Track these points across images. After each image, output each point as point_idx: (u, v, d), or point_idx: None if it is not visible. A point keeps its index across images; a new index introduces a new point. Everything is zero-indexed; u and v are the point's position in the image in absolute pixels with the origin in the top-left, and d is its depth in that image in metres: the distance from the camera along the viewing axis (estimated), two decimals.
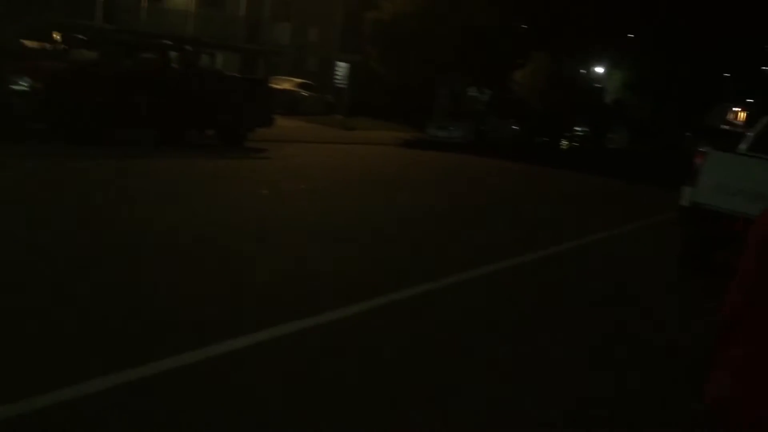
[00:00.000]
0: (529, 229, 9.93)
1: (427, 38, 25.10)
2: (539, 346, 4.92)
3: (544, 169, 20.26)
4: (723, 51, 36.86)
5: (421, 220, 9.51)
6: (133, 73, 13.02)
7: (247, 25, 31.31)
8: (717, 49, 36.34)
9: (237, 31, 30.54)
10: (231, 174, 11.63)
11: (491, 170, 18.31)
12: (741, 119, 56.14)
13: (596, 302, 6.42)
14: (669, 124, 39.33)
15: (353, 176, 13.32)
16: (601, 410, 4.02)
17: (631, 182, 18.58)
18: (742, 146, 8.46)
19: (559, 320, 5.67)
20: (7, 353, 3.72)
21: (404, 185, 13.11)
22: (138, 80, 12.96)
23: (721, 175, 7.30)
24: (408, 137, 24.08)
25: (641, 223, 11.83)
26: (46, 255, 5.59)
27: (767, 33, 35.89)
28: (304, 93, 28.53)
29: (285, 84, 27.11)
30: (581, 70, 39.96)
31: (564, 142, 33.63)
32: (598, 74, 43.43)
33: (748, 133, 9.10)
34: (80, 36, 15.04)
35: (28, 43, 17.89)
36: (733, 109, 58.43)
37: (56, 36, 15.33)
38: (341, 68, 34.78)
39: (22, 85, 11.59)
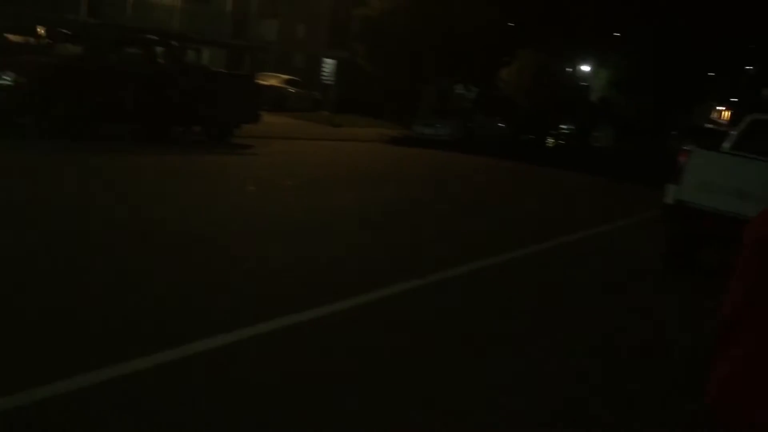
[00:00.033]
0: (514, 226, 9.96)
1: (414, 35, 25.12)
2: (537, 346, 4.91)
3: (531, 166, 20.33)
4: (708, 51, 37.14)
5: (406, 216, 9.52)
6: (118, 69, 12.93)
7: (233, 21, 31.16)
8: (702, 49, 36.60)
9: (223, 26, 30.37)
10: (217, 170, 11.59)
11: (478, 167, 18.35)
12: (725, 118, 56.64)
13: (591, 299, 6.45)
14: (654, 122, 39.59)
15: (339, 173, 13.31)
16: (600, 410, 4.03)
17: (617, 180, 18.68)
18: (726, 145, 8.55)
19: (555, 319, 5.68)
20: (3, 346, 3.73)
21: (390, 182, 13.11)
22: (123, 75, 12.87)
23: (704, 174, 7.37)
24: (395, 134, 24.09)
25: (627, 221, 11.90)
26: (29, 251, 5.55)
27: (751, 33, 36.20)
28: (291, 89, 28.45)
29: (272, 80, 27.04)
30: (568, 69, 40.13)
31: (550, 140, 33.77)
32: (584, 73, 43.66)
33: (732, 132, 9.19)
34: (65, 30, 14.91)
35: (11, 37, 17.70)
36: (718, 108, 58.92)
37: (40, 30, 15.19)
38: (328, 65, 34.72)
39: (6, 79, 11.49)
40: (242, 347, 4.15)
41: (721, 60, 40.44)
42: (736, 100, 50.17)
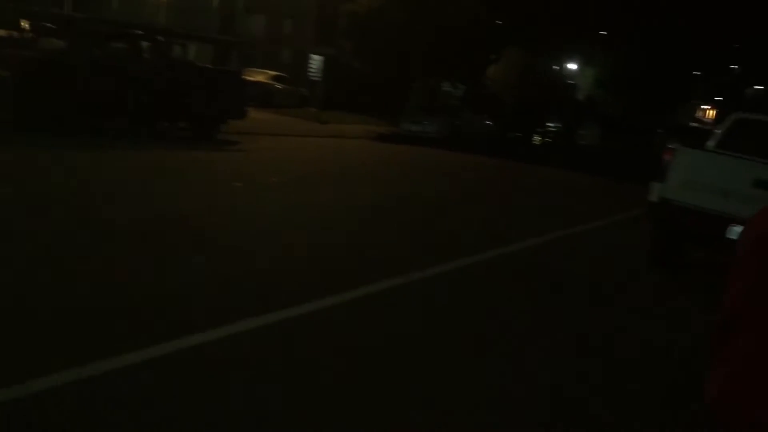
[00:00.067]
0: (502, 223, 9.98)
1: (401, 32, 25.10)
2: (534, 346, 4.91)
3: (517, 164, 20.38)
4: (694, 50, 37.38)
5: (392, 213, 9.51)
6: (103, 63, 12.81)
7: (220, 16, 31.01)
8: (688, 48, 36.84)
9: (210, 21, 30.23)
10: (202, 166, 11.53)
11: (465, 165, 18.38)
12: (710, 117, 57.01)
13: (586, 298, 6.47)
14: (640, 121, 39.80)
15: (326, 170, 13.27)
16: (600, 410, 4.03)
17: (603, 178, 18.77)
18: (710, 143, 8.60)
19: (552, 318, 5.68)
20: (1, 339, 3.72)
21: (378, 179, 13.10)
22: (108, 70, 12.76)
23: (689, 172, 7.41)
24: (382, 131, 24.07)
25: (613, 218, 11.96)
26: (11, 247, 5.49)
27: (736, 33, 36.47)
28: (278, 85, 28.35)
29: (259, 76, 26.92)
30: (554, 67, 40.29)
31: (537, 138, 33.88)
32: (571, 71, 43.83)
33: (716, 131, 9.25)
34: (49, 24, 14.75)
35: None
36: (702, 107, 59.32)
37: (24, 24, 15.02)
38: (315, 61, 34.63)
39: None
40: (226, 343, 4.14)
41: (707, 59, 40.71)
42: (721, 99, 50.52)
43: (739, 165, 7.19)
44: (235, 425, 3.21)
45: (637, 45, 36.87)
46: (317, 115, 24.46)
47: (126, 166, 10.38)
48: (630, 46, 37.24)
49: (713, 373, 1.37)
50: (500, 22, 29.24)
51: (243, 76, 17.55)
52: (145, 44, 14.02)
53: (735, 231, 6.99)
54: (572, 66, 43.27)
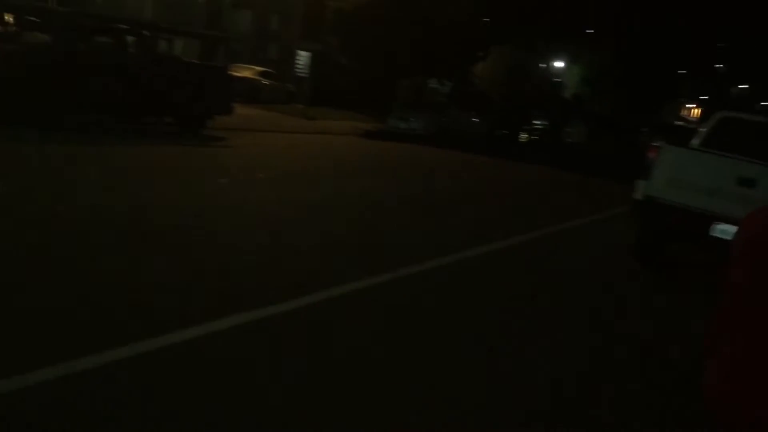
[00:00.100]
0: (488, 221, 10.01)
1: (388, 29, 25.08)
2: (533, 345, 4.90)
3: (505, 161, 20.42)
4: (679, 49, 37.61)
5: (378, 211, 9.50)
6: (88, 57, 12.70)
7: (207, 11, 30.84)
8: (673, 47, 37.06)
9: (196, 16, 30.04)
10: (188, 162, 11.45)
11: (453, 162, 18.40)
12: (695, 115, 57.42)
13: (583, 297, 6.50)
14: (627, 119, 40.01)
15: (312, 166, 13.23)
16: (600, 410, 4.03)
17: (589, 175, 18.85)
18: (695, 141, 8.66)
19: (548, 317, 5.69)
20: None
21: (364, 175, 13.08)
22: (92, 65, 12.65)
23: (673, 170, 7.45)
24: (369, 128, 24.04)
25: (599, 215, 12.02)
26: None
27: (721, 32, 36.73)
28: (265, 81, 28.25)
29: (245, 72, 26.80)
30: (541, 65, 40.40)
31: (523, 136, 33.96)
32: (557, 69, 43.99)
33: (701, 129, 9.31)
34: (33, 18, 14.59)
35: None
36: (687, 105, 59.73)
37: (8, 17, 14.84)
38: (302, 57, 34.53)
39: None
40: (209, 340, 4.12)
41: (692, 58, 40.96)
42: (706, 97, 50.87)
43: (723, 163, 7.24)
44: (235, 425, 3.18)
45: (624, 43, 37.06)
46: (304, 112, 24.40)
47: (109, 161, 10.30)
48: (617, 44, 37.41)
49: (711, 374, 1.37)
50: (487, 20, 29.30)
51: (229, 72, 17.47)
52: (130, 39, 13.90)
53: (719, 229, 7.05)
54: (559, 64, 43.42)
